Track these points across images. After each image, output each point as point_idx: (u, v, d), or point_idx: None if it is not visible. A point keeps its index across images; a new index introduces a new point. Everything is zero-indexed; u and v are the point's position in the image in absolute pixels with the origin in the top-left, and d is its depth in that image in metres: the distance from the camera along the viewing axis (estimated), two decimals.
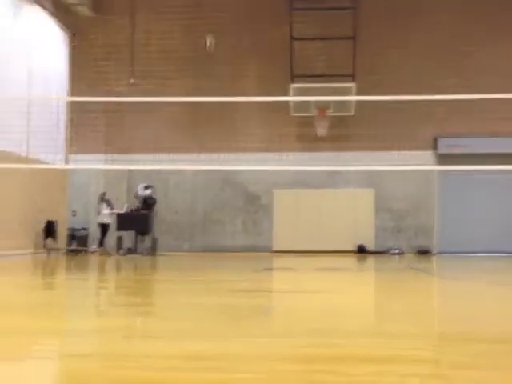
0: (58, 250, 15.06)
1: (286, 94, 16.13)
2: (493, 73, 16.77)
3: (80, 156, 16.83)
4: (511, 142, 16.91)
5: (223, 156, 16.75)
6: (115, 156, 16.81)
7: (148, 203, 15.22)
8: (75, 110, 17.00)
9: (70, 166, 16.97)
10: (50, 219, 15.17)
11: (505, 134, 16.87)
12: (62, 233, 15.98)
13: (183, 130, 17.39)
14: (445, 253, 16.76)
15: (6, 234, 13.20)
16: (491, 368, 1.99)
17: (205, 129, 17.40)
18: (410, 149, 16.87)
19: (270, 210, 17.50)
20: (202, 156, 16.55)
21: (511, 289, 5.83)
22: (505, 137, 16.89)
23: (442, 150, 17.18)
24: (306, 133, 17.43)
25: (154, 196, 15.41)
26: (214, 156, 16.67)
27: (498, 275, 8.23)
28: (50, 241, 15.11)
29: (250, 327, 2.97)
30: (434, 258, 14.56)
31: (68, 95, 17.19)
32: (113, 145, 17.26)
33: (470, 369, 1.97)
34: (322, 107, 16.91)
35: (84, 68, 17.48)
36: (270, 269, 9.56)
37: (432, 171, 16.98)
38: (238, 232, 17.58)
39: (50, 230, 15.15)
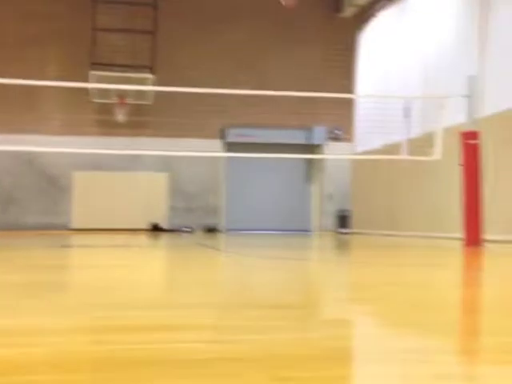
0: None
1: (86, 80, 15.62)
2: (279, 73, 17.55)
3: None
4: (289, 134, 17.82)
5: (25, 138, 15.81)
6: None
7: None
8: None
9: None
10: None
11: (284, 127, 17.73)
12: None
13: None
14: (230, 230, 17.27)
15: None
16: (267, 331, 2.01)
17: (8, 111, 16.30)
18: (202, 137, 17.14)
19: (69, 190, 16.85)
20: (4, 137, 15.46)
21: (284, 262, 6.10)
22: (284, 129, 17.76)
23: (230, 138, 17.66)
24: (105, 118, 17.02)
25: None
26: (17, 138, 15.67)
27: (273, 250, 8.60)
28: None
29: (47, 301, 2.77)
30: (220, 235, 14.92)
31: None
32: None
33: (250, 333, 1.98)
34: (122, 95, 16.62)
35: None
36: (69, 246, 9.18)
37: (220, 157, 17.38)
38: (39, 211, 16.72)
39: None
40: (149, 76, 16.37)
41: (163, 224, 17.03)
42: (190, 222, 17.26)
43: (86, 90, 16.19)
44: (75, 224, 16.58)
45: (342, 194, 17.89)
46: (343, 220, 17.64)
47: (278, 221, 18.01)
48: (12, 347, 1.74)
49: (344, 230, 17.14)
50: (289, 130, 17.82)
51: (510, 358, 1.65)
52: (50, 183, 16.86)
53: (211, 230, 17.15)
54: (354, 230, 16.63)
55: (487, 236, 8.81)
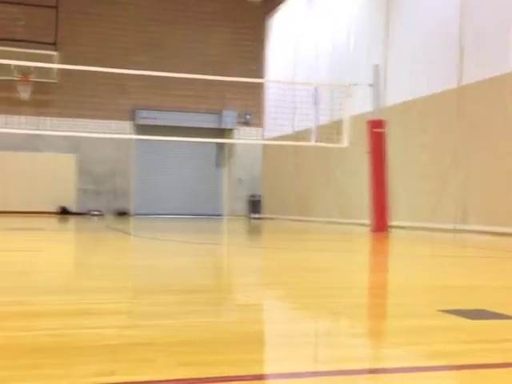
0: None
1: None
2: (182, 54, 17.42)
3: None
4: (200, 118, 17.76)
5: None
6: None
7: None
8: None
9: None
10: None
11: (195, 111, 17.65)
12: None
13: None
14: (140, 214, 17.08)
15: None
16: (180, 316, 2.03)
17: None
18: (111, 118, 16.80)
19: None
20: None
21: (196, 246, 6.12)
22: (195, 113, 17.68)
23: (139, 121, 17.43)
24: (7, 96, 16.32)
25: None
26: None
27: (185, 235, 8.60)
28: None
29: None
30: (131, 219, 14.72)
31: None
32: None
33: (163, 318, 1.99)
34: (25, 72, 16.01)
35: None
36: None
37: (130, 140, 17.11)
38: None
39: None
40: (53, 53, 15.85)
41: (71, 207, 16.60)
42: (99, 206, 16.91)
43: None
44: None
45: (252, 179, 18.03)
46: (254, 205, 17.81)
47: (190, 205, 17.95)
48: None
49: (255, 215, 17.32)
50: (200, 114, 17.74)
51: (414, 340, 1.75)
52: None
53: (121, 214, 16.88)
54: (265, 215, 16.83)
55: (393, 222, 9.15)
